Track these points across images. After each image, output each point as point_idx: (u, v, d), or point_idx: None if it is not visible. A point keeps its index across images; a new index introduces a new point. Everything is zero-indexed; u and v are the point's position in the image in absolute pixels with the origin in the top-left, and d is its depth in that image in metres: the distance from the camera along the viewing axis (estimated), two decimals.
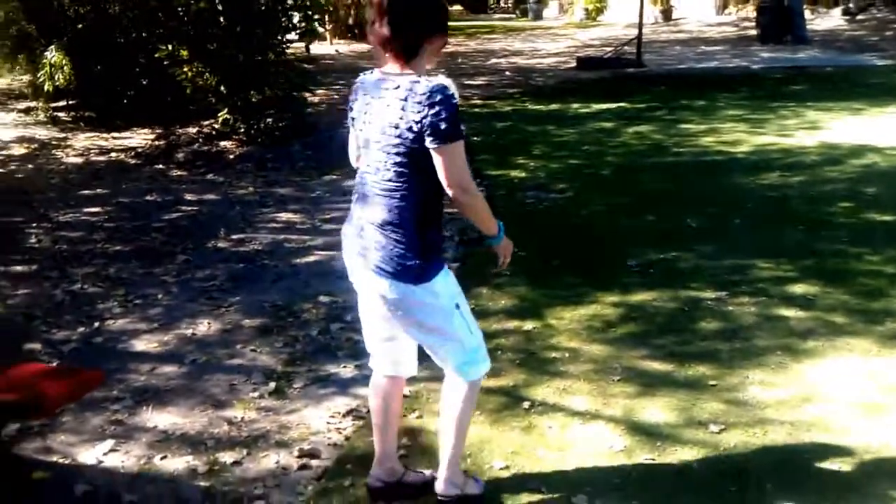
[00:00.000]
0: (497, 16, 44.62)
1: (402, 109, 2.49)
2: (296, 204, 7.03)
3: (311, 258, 5.67)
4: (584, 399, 3.65)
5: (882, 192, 6.69)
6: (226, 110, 9.01)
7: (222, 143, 8.88)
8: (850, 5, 24.52)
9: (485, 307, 4.70)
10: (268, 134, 8.91)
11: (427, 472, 3.05)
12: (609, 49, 18.56)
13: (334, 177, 7.95)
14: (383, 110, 2.55)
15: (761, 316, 4.45)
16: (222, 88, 9.03)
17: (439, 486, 2.89)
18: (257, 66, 9.01)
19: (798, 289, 4.79)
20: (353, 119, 2.72)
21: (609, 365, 3.97)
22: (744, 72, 14.77)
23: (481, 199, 2.68)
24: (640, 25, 16.70)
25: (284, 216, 6.70)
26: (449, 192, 2.54)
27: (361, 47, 23.78)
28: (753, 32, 20.76)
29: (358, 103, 2.68)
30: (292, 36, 10.00)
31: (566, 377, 3.86)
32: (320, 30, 15.37)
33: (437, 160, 2.50)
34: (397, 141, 2.52)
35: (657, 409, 3.55)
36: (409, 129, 2.49)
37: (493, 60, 19.72)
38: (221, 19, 8.95)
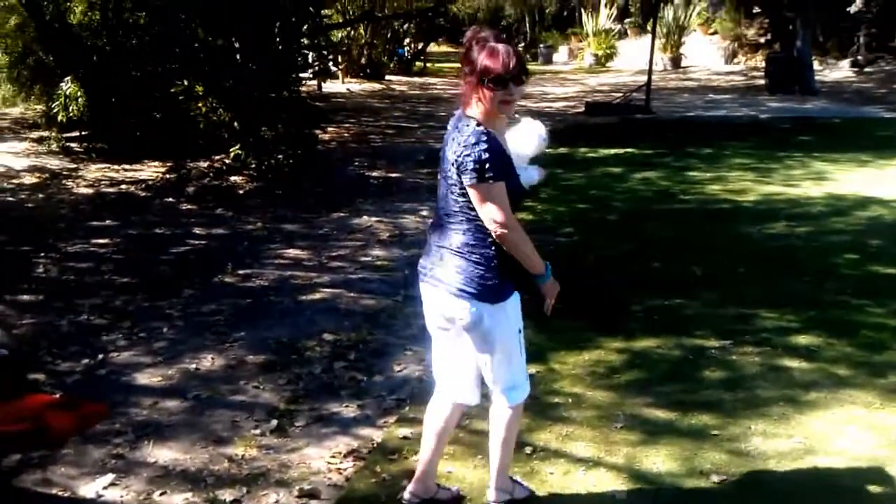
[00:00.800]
0: None
1: (454, 146, 2.78)
2: (303, 241, 7.07)
3: (317, 295, 5.69)
4: (587, 446, 3.65)
5: (886, 245, 6.71)
6: (238, 146, 9.09)
7: (233, 178, 8.95)
8: (859, 57, 24.74)
9: None
10: (278, 170, 8.99)
11: (454, 488, 3.28)
12: (618, 95, 18.72)
13: (342, 214, 8.00)
14: (448, 146, 2.83)
15: (765, 366, 4.45)
16: (235, 124, 9.12)
17: (490, 495, 3.15)
18: (271, 103, 9.11)
19: (802, 339, 4.79)
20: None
21: (612, 412, 3.97)
22: (751, 121, 14.86)
23: (522, 236, 2.84)
24: (650, 72, 16.86)
25: (291, 252, 6.73)
26: (489, 228, 2.77)
27: (373, 86, 24.02)
28: (762, 82, 20.92)
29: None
30: (306, 74, 10.13)
31: (569, 423, 3.86)
32: (333, 69, 15.54)
33: (472, 196, 2.76)
34: (452, 174, 2.80)
35: (659, 458, 3.54)
36: (454, 164, 2.77)
37: None
38: (238, 57, 9.07)
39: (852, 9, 26.78)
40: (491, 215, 2.75)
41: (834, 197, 8.51)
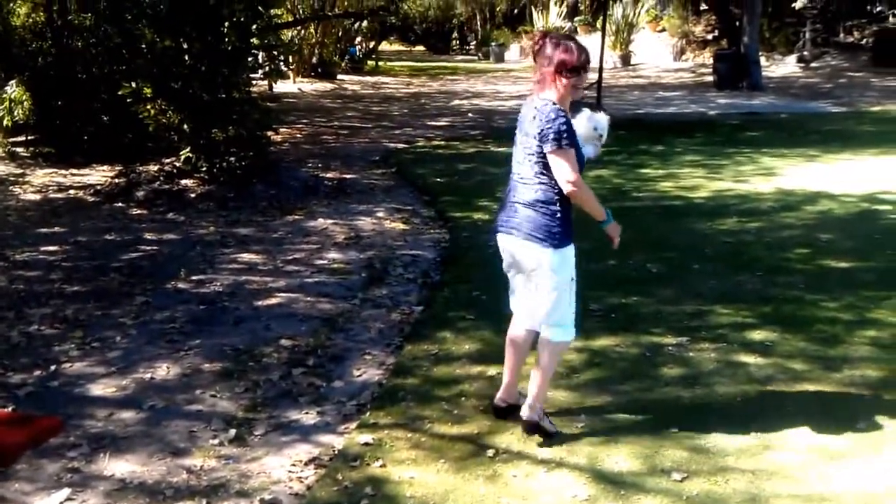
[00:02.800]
0: (459, 57, 45.11)
1: (536, 122, 3.50)
2: (257, 244, 6.98)
3: (273, 300, 5.62)
4: (549, 447, 3.65)
5: (837, 239, 6.83)
6: (188, 149, 8.94)
7: (183, 182, 8.79)
8: (805, 53, 25.21)
9: (448, 352, 4.70)
10: (230, 173, 8.86)
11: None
12: None
13: (296, 217, 7.92)
14: (529, 122, 3.56)
15: (721, 362, 4.50)
16: (185, 127, 8.98)
17: (524, 412, 3.71)
18: (222, 104, 8.98)
19: (757, 335, 4.86)
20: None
21: (573, 412, 3.98)
22: (701, 118, 15.06)
23: (588, 192, 3.59)
24: (601, 70, 16.97)
25: (246, 257, 6.64)
26: (562, 186, 3.48)
27: (325, 86, 23.86)
28: (710, 78, 21.22)
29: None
30: (257, 74, 10.01)
31: None
32: (284, 69, 15.38)
33: (552, 160, 3.49)
34: (531, 144, 3.52)
35: (621, 457, 3.56)
36: (536, 136, 3.49)
37: (456, 102, 19.90)
38: (187, 58, 8.92)
39: (798, 5, 27.29)
40: (565, 176, 3.47)
41: (783, 192, 8.66)
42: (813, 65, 24.50)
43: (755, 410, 3.94)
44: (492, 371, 4.43)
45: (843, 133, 12.99)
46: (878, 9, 27.31)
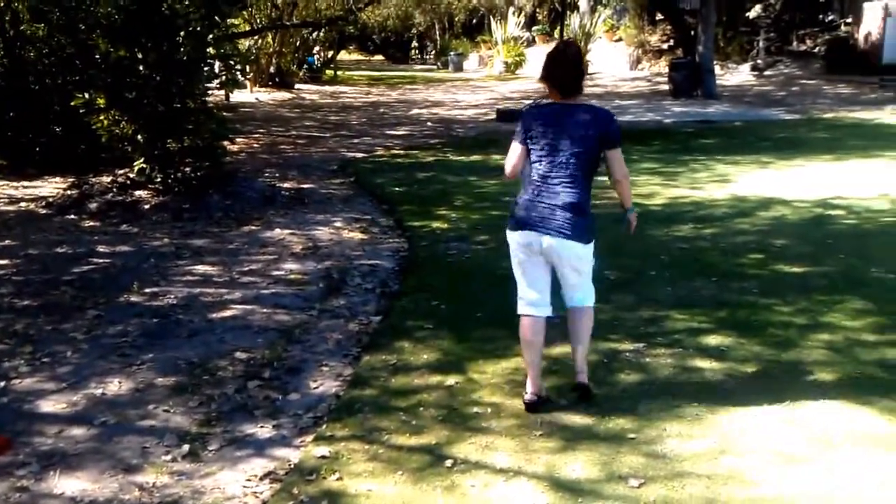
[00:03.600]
0: (418, 66, 45.22)
1: (589, 125, 3.88)
2: (212, 256, 6.89)
3: (228, 312, 5.55)
4: (507, 455, 3.64)
5: (790, 244, 6.93)
6: (142, 159, 8.82)
7: (137, 193, 8.67)
8: (759, 61, 25.64)
9: (407, 362, 4.67)
10: (185, 183, 8.75)
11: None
12: (529, 102, 18.93)
13: (253, 228, 7.84)
14: (574, 127, 3.88)
15: (677, 367, 4.53)
16: (139, 137, 8.86)
17: (583, 379, 4.15)
18: (176, 114, 8.87)
19: (712, 340, 4.89)
20: (529, 136, 3.95)
21: (531, 420, 3.97)
22: (657, 126, 15.23)
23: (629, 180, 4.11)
24: None
25: (201, 269, 6.55)
26: (619, 178, 4.00)
27: (282, 96, 23.74)
28: (666, 87, 21.49)
29: (537, 124, 3.94)
30: (213, 84, 9.91)
31: (489, 433, 3.84)
32: (241, 78, 15.27)
33: (613, 156, 3.94)
34: (581, 145, 3.87)
35: (579, 464, 3.55)
36: (594, 136, 3.88)
37: (415, 111, 19.91)
38: (141, 68, 8.81)
39: (752, 14, 27.75)
40: (623, 170, 3.99)
41: (738, 198, 8.77)
42: (766, 73, 24.92)
43: (711, 415, 3.97)
44: (450, 380, 4.41)
45: (795, 140, 13.21)
46: (830, 17, 27.88)
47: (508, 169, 4.05)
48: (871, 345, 4.76)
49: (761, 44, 26.03)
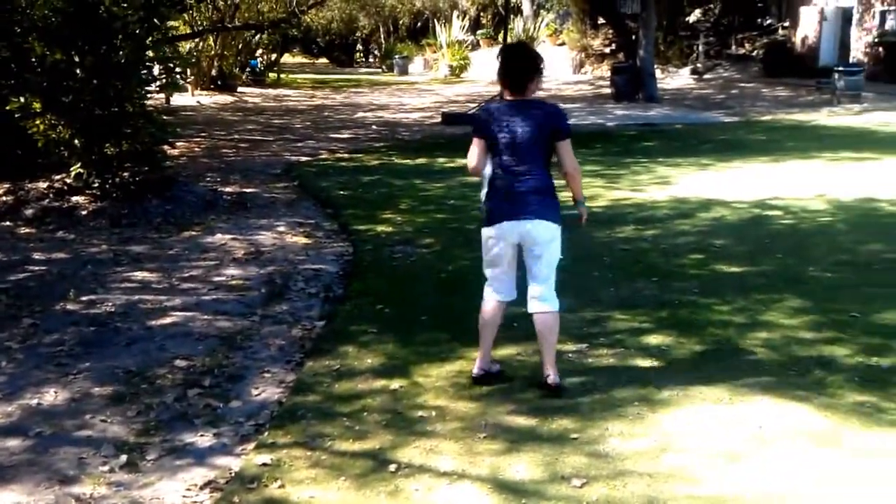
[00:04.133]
0: (363, 70, 45.10)
1: (541, 118, 4.17)
2: (152, 262, 6.76)
3: (168, 320, 5.44)
4: (451, 459, 3.63)
5: (729, 244, 7.06)
6: (79, 164, 8.63)
7: (74, 199, 8.47)
8: (698, 65, 26.10)
9: (351, 366, 4.63)
10: (123, 189, 8.58)
11: (498, 366, 4.53)
12: (473, 105, 19.00)
13: (193, 233, 7.72)
14: (529, 119, 4.15)
15: (619, 367, 4.57)
16: (76, 142, 8.66)
17: (555, 380, 4.22)
18: (114, 118, 8.70)
19: (653, 340, 4.95)
20: (489, 131, 4.20)
21: (475, 422, 3.97)
22: (599, 129, 15.40)
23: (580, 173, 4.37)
24: None
25: (140, 275, 6.42)
26: (569, 169, 4.22)
27: (224, 99, 23.47)
28: (608, 91, 21.76)
29: (496, 121, 4.19)
30: (152, 87, 9.74)
31: (433, 437, 3.83)
32: (181, 81, 15.05)
33: (563, 147, 4.20)
34: (538, 136, 4.16)
35: (522, 466, 3.56)
36: (549, 127, 4.18)
37: (360, 114, 19.85)
38: (78, 71, 8.62)
39: (691, 18, 28.25)
40: (574, 162, 4.24)
41: (678, 200, 8.91)
42: (706, 76, 25.38)
43: (652, 414, 4.01)
44: (395, 384, 4.39)
45: (734, 142, 13.48)
46: (768, 21, 28.52)
47: (472, 163, 4.27)
48: (808, 342, 4.87)
49: (701, 48, 26.52)
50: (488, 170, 4.30)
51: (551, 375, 4.24)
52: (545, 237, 4.21)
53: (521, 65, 4.20)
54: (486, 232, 4.32)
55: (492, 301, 4.42)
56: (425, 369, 4.59)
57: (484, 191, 4.39)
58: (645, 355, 4.71)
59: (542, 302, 4.29)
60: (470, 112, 17.69)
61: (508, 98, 4.22)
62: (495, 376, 4.44)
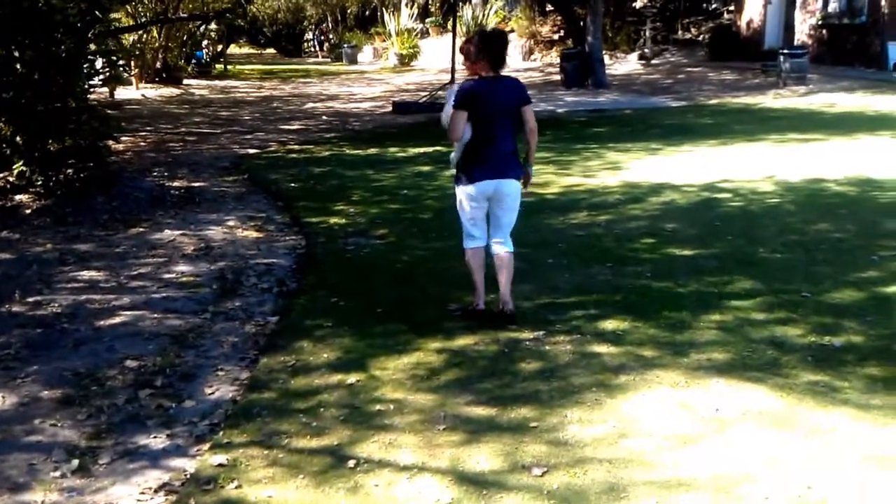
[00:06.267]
0: (311, 60, 44.69)
1: (513, 90, 4.95)
2: (99, 261, 6.60)
3: (117, 319, 5.32)
4: (411, 452, 3.60)
5: (680, 228, 7.11)
6: (21, 162, 8.40)
7: (17, 198, 8.25)
8: (646, 50, 26.31)
9: (306, 362, 4.57)
10: (68, 186, 8.37)
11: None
12: (424, 94, 18.93)
13: (141, 230, 7.55)
14: (507, 91, 4.93)
15: (576, 353, 4.58)
16: (18, 139, 8.44)
17: (511, 308, 5.00)
18: (57, 114, 8.48)
19: (609, 325, 4.97)
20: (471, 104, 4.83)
21: (434, 414, 3.94)
22: (550, 115, 15.44)
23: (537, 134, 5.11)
24: (453, 70, 17.16)
25: (87, 274, 6.26)
26: (533, 127, 4.98)
27: (170, 92, 23.07)
28: (558, 77, 21.82)
29: (479, 95, 4.84)
30: (95, 81, 9.52)
31: (392, 430, 3.79)
32: (125, 75, 14.74)
33: (529, 110, 4.98)
34: (513, 105, 4.93)
35: (483, 457, 3.54)
36: (520, 98, 4.96)
37: (310, 105, 19.66)
38: (18, 66, 8.39)
39: (638, 4, 28.45)
40: (534, 121, 5.01)
41: (629, 185, 8.96)
42: (654, 62, 25.60)
43: (610, 400, 4.02)
44: (352, 378, 4.34)
45: (683, 126, 13.61)
46: (714, 6, 28.83)
47: (457, 133, 4.85)
48: (761, 323, 4.92)
49: (648, 33, 26.73)
50: (468, 136, 4.88)
51: (509, 304, 5.00)
52: (515, 191, 4.99)
53: (501, 48, 4.96)
54: (467, 189, 4.96)
55: (478, 248, 5.09)
56: (382, 362, 4.55)
57: (456, 153, 5.00)
58: (601, 341, 4.73)
59: (506, 244, 5.08)
60: (421, 101, 17.63)
61: (485, 75, 4.88)
62: (507, 316, 5.02)
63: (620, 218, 7.55)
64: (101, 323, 5.26)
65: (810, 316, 5.02)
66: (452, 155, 5.07)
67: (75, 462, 3.62)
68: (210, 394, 4.28)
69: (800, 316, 5.02)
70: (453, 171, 5.16)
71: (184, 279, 6.13)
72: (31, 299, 5.72)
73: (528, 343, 4.74)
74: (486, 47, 4.88)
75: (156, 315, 5.37)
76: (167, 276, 6.20)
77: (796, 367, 4.32)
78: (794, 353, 4.48)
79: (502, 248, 5.07)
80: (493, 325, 4.96)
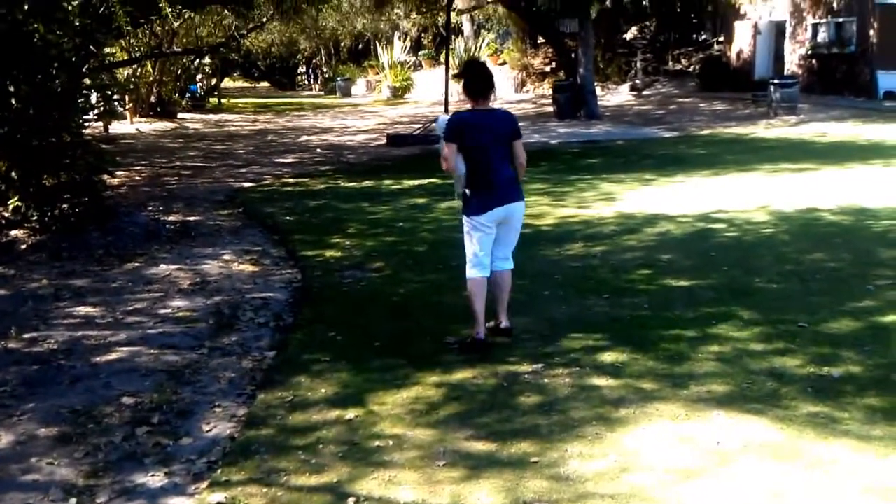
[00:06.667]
0: (305, 93, 44.91)
1: (505, 123, 5.19)
2: (95, 296, 6.57)
3: (113, 355, 5.29)
4: (411, 489, 3.57)
5: (676, 259, 7.13)
6: (16, 197, 8.40)
7: (13, 233, 8.23)
8: (637, 81, 26.52)
9: (304, 397, 4.54)
10: (63, 221, 8.36)
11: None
12: (417, 126, 19.02)
13: (137, 265, 7.53)
14: (498, 123, 5.16)
15: (576, 387, 4.56)
16: (13, 174, 8.44)
17: (507, 324, 5.31)
18: (52, 149, 8.50)
19: (608, 357, 4.96)
20: (463, 137, 5.06)
21: (434, 450, 3.91)
22: (543, 147, 15.53)
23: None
24: (447, 102, 17.27)
25: (83, 310, 6.24)
26: (522, 161, 5.21)
27: (165, 126, 23.15)
28: (550, 109, 21.97)
29: (472, 127, 5.08)
30: (90, 116, 9.54)
31: (391, 467, 3.76)
32: (120, 109, 14.79)
33: (519, 145, 5.19)
34: (506, 136, 5.14)
35: (483, 493, 3.51)
36: (511, 129, 5.18)
37: (304, 138, 19.74)
38: (13, 101, 8.41)
39: (628, 36, 28.72)
40: (524, 154, 5.25)
41: (624, 215, 8.99)
42: (645, 93, 25.80)
43: (610, 434, 4.00)
44: (350, 414, 4.32)
45: (676, 157, 13.69)
46: (703, 37, 29.14)
47: (448, 163, 5.06)
48: (759, 354, 4.92)
49: (639, 64, 26.98)
50: (462, 168, 5.06)
51: (504, 322, 5.30)
52: (521, 213, 5.26)
53: (486, 78, 5.14)
54: (479, 219, 5.11)
55: (480, 278, 5.17)
56: (381, 397, 4.52)
57: (458, 186, 5.21)
58: (600, 373, 4.71)
59: (507, 262, 5.31)
60: (415, 133, 17.72)
61: (475, 106, 5.11)
62: (504, 332, 5.31)
63: (616, 249, 7.57)
64: (98, 359, 5.23)
65: (808, 346, 5.01)
66: (455, 188, 5.31)
67: (73, 501, 3.58)
68: (207, 431, 4.24)
69: (798, 346, 5.02)
70: (458, 203, 5.32)
71: (180, 314, 6.10)
72: (27, 335, 5.68)
73: (526, 376, 4.72)
74: (465, 78, 5.18)
75: (152, 351, 5.34)
76: (163, 311, 6.18)
77: (796, 398, 4.31)
78: (794, 384, 4.47)
79: (505, 265, 5.30)
80: (488, 354, 5.05)
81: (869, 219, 8.38)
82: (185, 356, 5.25)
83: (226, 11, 18.72)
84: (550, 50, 27.94)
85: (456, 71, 27.48)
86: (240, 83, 52.03)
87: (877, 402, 4.23)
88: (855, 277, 6.40)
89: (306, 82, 50.66)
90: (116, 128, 18.46)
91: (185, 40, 25.36)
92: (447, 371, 4.84)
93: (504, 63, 30.89)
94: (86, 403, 4.57)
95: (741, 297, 5.98)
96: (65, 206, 8.52)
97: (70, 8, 8.61)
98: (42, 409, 4.52)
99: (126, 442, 4.12)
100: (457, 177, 5.16)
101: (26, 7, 8.20)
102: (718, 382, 4.53)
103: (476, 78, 5.13)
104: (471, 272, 5.17)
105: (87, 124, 9.62)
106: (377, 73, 37.26)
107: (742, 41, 26.06)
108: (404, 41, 36.97)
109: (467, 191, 5.14)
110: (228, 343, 5.50)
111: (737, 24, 26.20)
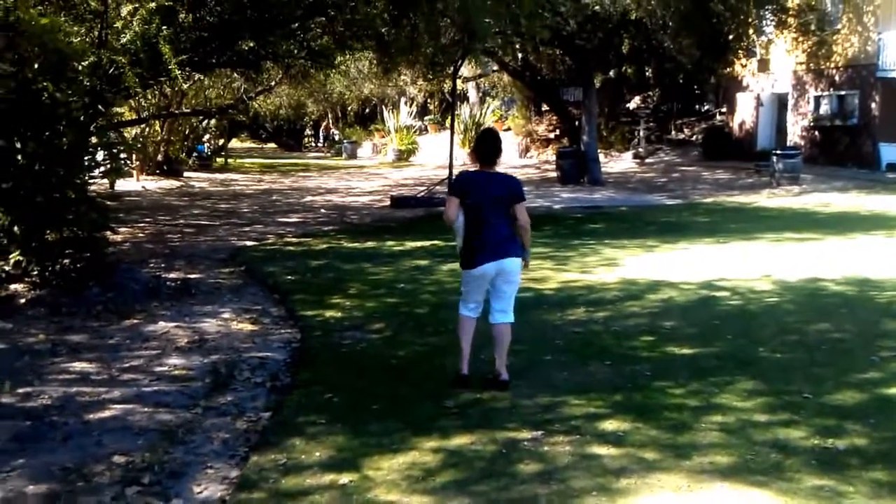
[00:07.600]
0: (312, 154, 45.36)
1: (505, 186, 5.48)
2: (91, 352, 6.51)
3: (106, 413, 5.20)
4: None
5: (679, 326, 7.06)
6: (18, 252, 8.39)
7: (12, 287, 8.19)
8: (640, 150, 26.76)
9: (298, 460, 4.45)
10: (63, 276, 8.33)
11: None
12: (422, 188, 19.14)
13: (135, 321, 7.48)
14: (497, 186, 5.47)
15: (576, 455, 4.46)
16: (15, 229, 8.44)
17: (505, 377, 5.51)
18: (56, 204, 8.51)
19: (609, 425, 4.87)
20: (465, 192, 5.46)
21: None
22: (547, 211, 15.58)
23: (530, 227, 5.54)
24: (451, 166, 17.37)
25: (78, 366, 6.16)
26: (524, 224, 5.42)
27: (170, 184, 23.31)
28: (554, 174, 22.12)
29: (474, 185, 5.48)
30: (96, 173, 9.59)
31: None
32: (126, 167, 14.90)
33: (521, 207, 5.43)
34: (505, 199, 5.42)
35: None
36: (512, 193, 5.45)
37: (309, 198, 19.85)
38: (19, 157, 8.45)
39: (632, 105, 29.10)
40: (527, 217, 5.46)
41: (627, 281, 8.95)
42: (648, 160, 26.01)
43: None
44: (344, 478, 4.22)
45: (678, 224, 13.71)
46: (706, 107, 29.50)
47: (451, 216, 5.42)
48: (763, 425, 4.83)
49: (642, 133, 27.25)
50: (461, 222, 5.41)
51: (502, 374, 5.51)
52: (516, 269, 5.45)
53: (494, 145, 5.56)
54: (470, 272, 5.46)
55: (470, 318, 5.60)
56: (376, 461, 4.43)
57: (459, 239, 5.50)
58: (602, 442, 4.62)
59: (505, 315, 5.51)
60: (419, 195, 17.82)
61: (481, 168, 5.50)
62: (502, 384, 5.50)
63: (619, 315, 7.51)
64: (91, 416, 5.14)
65: (813, 418, 4.92)
66: (456, 242, 5.61)
67: None
68: (199, 492, 4.14)
69: (802, 418, 4.93)
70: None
71: (176, 372, 6.03)
72: (21, 390, 5.60)
73: (526, 443, 4.63)
74: (476, 143, 5.66)
75: (146, 409, 5.26)
76: (159, 368, 6.11)
77: (800, 470, 4.21)
78: (798, 456, 4.38)
79: (503, 318, 5.51)
80: (485, 388, 5.44)
81: (873, 290, 8.34)
82: (179, 415, 5.16)
83: (235, 74, 18.97)
84: (555, 117, 28.28)
85: (461, 136, 27.81)
86: (247, 143, 52.57)
87: (883, 475, 4.13)
88: (860, 348, 6.33)
89: (313, 144, 51.19)
90: (122, 185, 18.56)
91: (193, 101, 25.70)
92: (445, 436, 4.74)
93: (509, 129, 31.24)
94: (76, 461, 4.47)
95: (745, 367, 5.91)
96: (66, 261, 8.50)
97: (80, 68, 8.71)
98: (33, 466, 4.42)
99: (115, 502, 4.02)
100: (455, 229, 5.52)
101: (36, 66, 8.30)
102: (722, 453, 4.44)
103: (486, 143, 5.57)
104: (461, 310, 5.64)
105: (92, 181, 9.67)
106: (383, 137, 37.67)
107: (745, 112, 26.36)
108: (410, 106, 37.48)
109: (462, 245, 5.50)
110: (223, 403, 5.42)
111: (739, 95, 26.54)
